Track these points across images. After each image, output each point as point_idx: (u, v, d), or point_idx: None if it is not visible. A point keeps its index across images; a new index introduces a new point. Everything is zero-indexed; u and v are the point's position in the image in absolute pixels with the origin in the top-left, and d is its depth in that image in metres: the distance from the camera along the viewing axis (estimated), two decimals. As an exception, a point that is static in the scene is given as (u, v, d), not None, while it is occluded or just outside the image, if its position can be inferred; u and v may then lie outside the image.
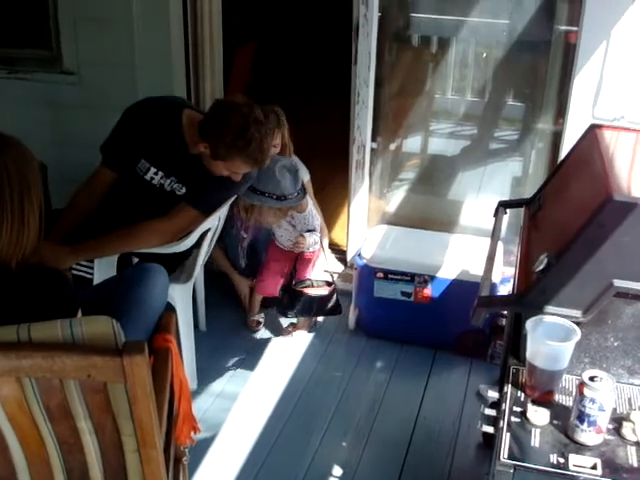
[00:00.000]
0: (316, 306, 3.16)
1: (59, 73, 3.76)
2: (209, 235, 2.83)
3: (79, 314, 1.66)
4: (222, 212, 2.88)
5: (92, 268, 2.62)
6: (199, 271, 3.04)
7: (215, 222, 2.85)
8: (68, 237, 2.60)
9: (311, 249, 3.21)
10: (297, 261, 3.22)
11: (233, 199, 2.90)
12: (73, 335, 1.48)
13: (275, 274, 3.33)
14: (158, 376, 1.83)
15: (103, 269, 2.58)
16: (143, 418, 1.57)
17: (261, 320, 3.41)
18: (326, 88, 5.29)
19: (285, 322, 3.43)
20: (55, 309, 1.55)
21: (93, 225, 2.66)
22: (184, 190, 2.71)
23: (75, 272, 2.58)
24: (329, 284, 3.19)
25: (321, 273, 3.36)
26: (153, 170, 2.71)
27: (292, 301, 3.14)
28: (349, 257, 3.79)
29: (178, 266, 2.88)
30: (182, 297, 2.81)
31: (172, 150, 2.67)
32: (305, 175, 3.41)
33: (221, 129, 2.51)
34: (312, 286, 3.16)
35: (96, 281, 2.55)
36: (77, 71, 3.72)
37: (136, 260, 2.74)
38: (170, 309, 2.33)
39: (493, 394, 1.92)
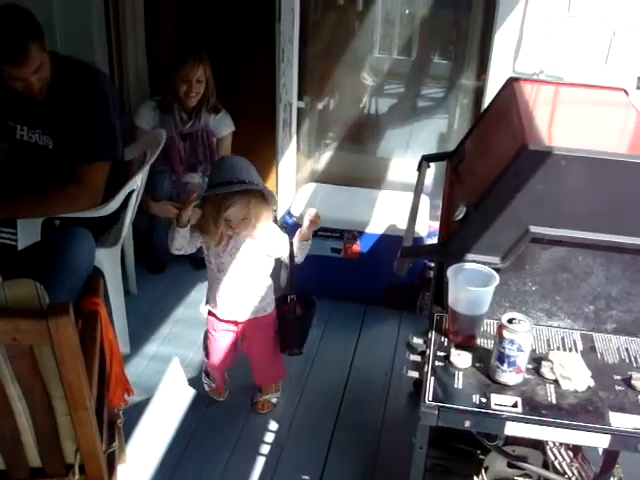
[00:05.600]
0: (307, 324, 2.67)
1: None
2: (134, 196, 2.79)
3: None
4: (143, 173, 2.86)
5: (16, 234, 2.56)
6: (126, 234, 3.00)
7: (138, 183, 2.82)
8: None
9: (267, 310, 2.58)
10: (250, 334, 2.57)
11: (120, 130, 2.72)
12: (-5, 299, 1.46)
13: (227, 351, 2.60)
14: (87, 339, 1.83)
15: (27, 235, 2.53)
16: (72, 380, 1.57)
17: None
18: (254, 45, 5.21)
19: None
20: None
21: None
22: (52, 144, 2.62)
23: (-2, 239, 2.53)
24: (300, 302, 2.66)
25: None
26: (19, 127, 2.64)
27: (299, 332, 2.63)
28: (279, 216, 3.80)
29: (105, 230, 2.83)
30: (110, 261, 2.77)
31: (23, 99, 2.56)
32: (228, 128, 3.49)
33: None
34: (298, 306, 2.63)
35: (20, 247, 2.50)
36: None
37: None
38: (98, 273, 2.31)
39: (419, 341, 1.98)
